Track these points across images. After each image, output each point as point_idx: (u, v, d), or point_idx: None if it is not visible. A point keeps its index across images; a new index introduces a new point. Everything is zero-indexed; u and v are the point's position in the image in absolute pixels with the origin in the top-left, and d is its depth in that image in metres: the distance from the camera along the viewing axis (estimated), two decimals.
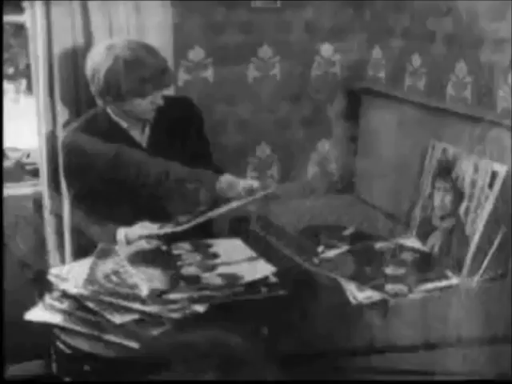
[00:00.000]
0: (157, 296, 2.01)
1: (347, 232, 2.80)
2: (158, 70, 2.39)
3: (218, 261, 2.27)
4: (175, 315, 1.98)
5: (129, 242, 2.32)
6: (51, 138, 2.73)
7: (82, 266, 2.19)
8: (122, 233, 2.35)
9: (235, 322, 2.03)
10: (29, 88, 3.00)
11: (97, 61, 2.40)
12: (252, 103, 3.25)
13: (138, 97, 2.38)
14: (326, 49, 3.34)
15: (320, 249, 2.57)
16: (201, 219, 2.27)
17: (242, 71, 3.19)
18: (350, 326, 2.37)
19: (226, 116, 3.20)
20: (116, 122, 2.50)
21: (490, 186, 2.41)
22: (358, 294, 2.30)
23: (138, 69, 2.35)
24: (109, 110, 2.50)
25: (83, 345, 1.95)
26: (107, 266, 2.19)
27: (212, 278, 2.13)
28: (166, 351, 1.92)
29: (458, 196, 2.54)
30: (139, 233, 2.32)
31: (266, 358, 1.97)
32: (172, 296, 2.03)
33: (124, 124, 2.50)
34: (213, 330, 1.98)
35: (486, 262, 2.37)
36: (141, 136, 2.54)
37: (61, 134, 2.67)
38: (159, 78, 2.39)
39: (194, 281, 2.10)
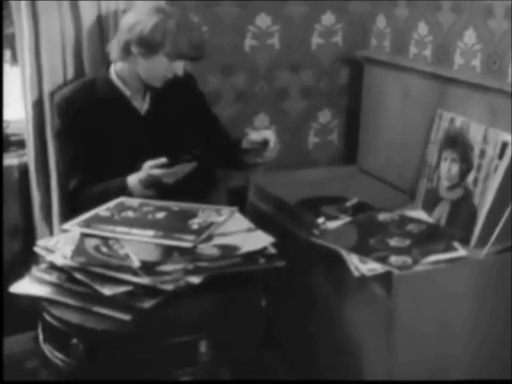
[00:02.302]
0: (149, 267, 1.97)
1: (349, 203, 2.80)
2: (199, 40, 2.47)
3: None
4: (168, 287, 1.94)
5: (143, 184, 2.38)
6: (38, 107, 2.70)
7: (71, 237, 2.14)
8: (134, 178, 2.41)
9: (232, 294, 2.01)
10: (14, 58, 2.94)
11: (142, 16, 2.45)
12: (249, 73, 3.23)
13: (169, 57, 2.44)
14: (328, 18, 3.31)
15: (321, 220, 2.54)
16: None
17: (239, 40, 3.17)
18: (352, 299, 2.39)
19: (222, 86, 3.19)
20: (118, 88, 2.55)
21: (500, 156, 2.39)
22: (361, 266, 2.28)
23: (187, 31, 2.43)
24: (112, 75, 2.55)
25: (72, 317, 1.91)
26: (97, 237, 2.13)
27: (207, 249, 2.08)
28: (158, 324, 1.89)
29: (466, 166, 2.53)
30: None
31: (264, 331, 1.94)
32: (165, 267, 1.98)
33: (127, 91, 2.55)
34: (208, 301, 1.96)
35: (495, 234, 2.34)
36: (141, 103, 2.58)
37: (47, 103, 2.68)
38: (196, 49, 2.46)
39: (188, 252, 2.05)
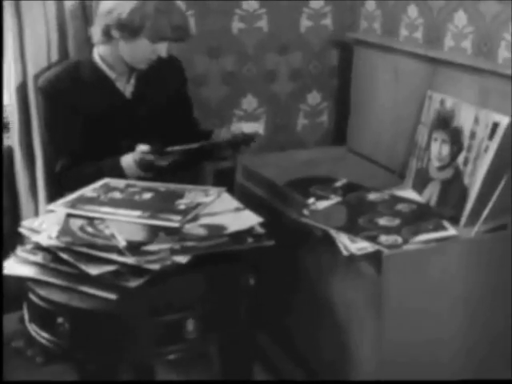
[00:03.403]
0: (135, 247, 1.97)
1: (339, 184, 2.78)
2: (180, 21, 2.47)
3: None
4: (154, 266, 1.95)
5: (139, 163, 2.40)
6: (22, 90, 2.70)
7: (56, 218, 2.14)
8: (128, 159, 2.42)
9: (220, 273, 2.02)
10: None
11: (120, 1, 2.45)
12: (237, 55, 3.23)
13: (151, 39, 2.43)
14: (316, 1, 3.31)
15: (310, 200, 2.55)
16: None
17: (226, 23, 3.17)
18: (341, 278, 2.39)
19: (209, 68, 3.19)
20: (102, 71, 2.54)
21: (490, 137, 2.40)
22: (351, 245, 2.28)
23: (166, 13, 2.43)
24: (96, 58, 2.54)
25: (58, 297, 1.92)
26: (82, 217, 2.14)
27: (194, 229, 2.08)
28: (144, 303, 1.90)
29: (457, 147, 2.54)
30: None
31: (252, 310, 1.94)
32: (151, 247, 1.99)
33: (111, 73, 2.54)
34: (195, 280, 1.97)
35: (485, 213, 2.35)
36: (125, 86, 2.58)
37: (32, 85, 2.68)
38: (177, 30, 2.45)
39: (174, 232, 2.06)
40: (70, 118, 2.48)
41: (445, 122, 2.60)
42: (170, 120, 2.62)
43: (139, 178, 2.41)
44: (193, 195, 2.27)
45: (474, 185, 2.43)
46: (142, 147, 2.37)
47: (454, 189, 2.51)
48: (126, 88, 2.57)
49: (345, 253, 2.26)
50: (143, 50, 2.46)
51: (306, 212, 2.48)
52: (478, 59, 2.73)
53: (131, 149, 2.43)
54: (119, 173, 2.41)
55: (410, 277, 2.24)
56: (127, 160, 2.42)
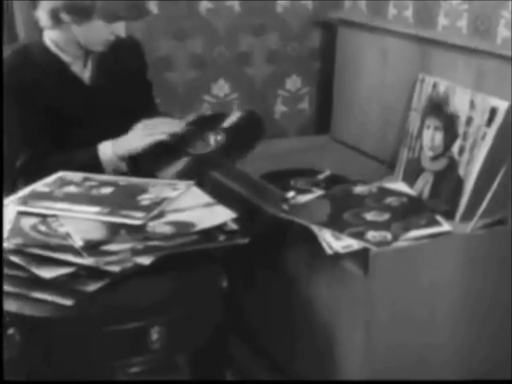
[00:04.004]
0: (93, 247, 1.96)
1: (322, 176, 2.81)
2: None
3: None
4: (115, 268, 1.93)
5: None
6: None
7: (6, 217, 2.11)
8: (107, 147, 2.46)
9: (188, 275, 2.02)
10: None
11: None
12: (206, 37, 3.25)
13: (105, 20, 2.42)
14: None
15: (290, 194, 2.55)
16: None
17: (193, 3, 3.19)
18: (325, 279, 2.40)
19: (175, 51, 3.20)
20: (55, 55, 2.53)
21: (488, 123, 2.42)
22: (335, 243, 2.28)
23: None
24: (47, 42, 2.52)
25: (8, 305, 1.88)
26: (34, 214, 2.12)
27: (159, 227, 2.07)
28: (104, 309, 1.88)
29: (451, 134, 2.56)
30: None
31: (225, 315, 1.95)
32: (111, 247, 1.97)
33: (66, 57, 2.53)
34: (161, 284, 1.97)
35: (482, 207, 2.36)
36: (82, 70, 2.57)
37: None
38: (132, 8, 2.46)
39: (137, 230, 2.04)
40: (26, 109, 2.46)
41: (438, 108, 2.62)
42: (130, 107, 2.61)
43: (117, 172, 2.42)
44: (158, 189, 2.26)
45: (470, 176, 2.45)
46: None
47: (448, 180, 2.53)
48: (84, 73, 2.56)
49: (328, 251, 2.26)
50: (99, 32, 2.45)
51: (285, 207, 2.49)
52: (475, 39, 2.75)
53: (92, 138, 2.43)
54: (95, 164, 2.42)
55: (400, 277, 2.25)
56: (107, 148, 2.43)
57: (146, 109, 2.69)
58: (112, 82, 2.59)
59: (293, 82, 3.48)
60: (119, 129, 2.48)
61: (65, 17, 2.42)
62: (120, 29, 2.47)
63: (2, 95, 2.42)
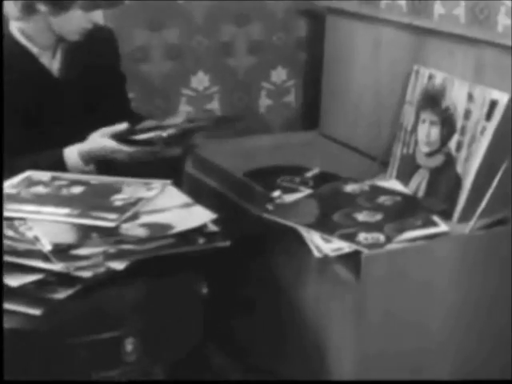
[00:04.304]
0: (63, 251, 1.94)
1: (310, 174, 2.82)
2: None
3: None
4: (86, 274, 1.91)
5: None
6: None
7: None
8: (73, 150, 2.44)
9: (165, 281, 2.00)
10: None
11: None
12: (183, 26, 3.25)
13: (85, 9, 2.42)
14: None
15: (276, 193, 2.56)
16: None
17: None
18: (313, 285, 2.39)
19: (150, 41, 3.20)
20: (23, 46, 2.51)
21: (488, 117, 2.42)
22: (324, 246, 2.29)
23: None
24: (14, 32, 2.50)
25: None
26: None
27: (133, 229, 2.05)
28: (75, 318, 1.87)
29: (448, 129, 2.57)
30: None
31: (205, 324, 1.94)
32: (82, 251, 1.95)
33: (34, 48, 2.52)
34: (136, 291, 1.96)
35: (482, 206, 2.36)
36: (51, 62, 2.56)
37: None
38: None
39: (109, 232, 2.03)
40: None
41: (434, 101, 2.62)
42: (103, 101, 2.61)
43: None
44: (132, 189, 2.25)
45: (469, 173, 2.45)
46: (105, 130, 2.39)
47: (445, 178, 2.54)
48: (52, 64, 2.55)
49: (317, 254, 2.27)
50: (77, 21, 2.45)
51: (270, 207, 2.49)
52: (473, 28, 2.75)
53: (62, 137, 2.42)
54: (61, 167, 2.40)
55: (394, 281, 2.24)
56: (72, 152, 2.41)
57: (118, 104, 2.69)
58: (82, 74, 2.57)
59: (278, 74, 3.48)
60: (89, 126, 2.46)
61: (41, 7, 2.41)
62: (99, 16, 2.50)
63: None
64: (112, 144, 2.40)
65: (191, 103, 3.33)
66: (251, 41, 3.38)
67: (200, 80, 3.35)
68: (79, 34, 2.50)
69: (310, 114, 3.48)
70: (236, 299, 2.67)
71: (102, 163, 2.46)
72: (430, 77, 2.66)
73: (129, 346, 1.85)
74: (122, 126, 2.42)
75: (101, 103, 2.60)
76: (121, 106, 2.71)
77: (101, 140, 2.43)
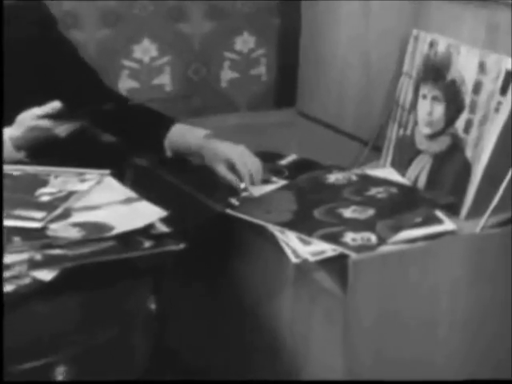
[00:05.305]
0: None
1: (285, 161, 2.85)
2: None
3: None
4: (7, 287, 1.88)
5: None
6: None
7: None
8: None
9: (103, 295, 1.97)
10: None
11: None
12: None
13: None
14: None
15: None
16: None
17: None
18: (290, 296, 2.40)
19: (81, 5, 3.21)
20: None
21: (503, 90, 2.42)
22: (302, 249, 2.29)
23: None
24: None
25: None
26: None
27: (64, 230, 2.04)
28: None
29: (454, 106, 2.58)
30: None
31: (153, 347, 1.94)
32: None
33: None
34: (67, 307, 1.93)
35: (495, 199, 2.37)
36: None
37: None
38: None
39: (35, 235, 2.01)
40: None
41: (437, 72, 2.65)
42: (49, 75, 2.64)
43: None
44: (61, 181, 2.26)
45: (480, 159, 2.46)
46: (34, 110, 2.41)
47: (451, 165, 2.57)
48: None
49: (294, 260, 2.26)
50: None
51: (234, 201, 2.51)
52: None
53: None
54: None
55: (388, 291, 2.23)
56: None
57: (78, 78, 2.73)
58: (13, 43, 2.58)
59: (244, 42, 3.52)
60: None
61: None
62: None
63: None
64: (45, 123, 2.40)
65: (135, 77, 3.36)
66: (208, 3, 3.41)
67: (145, 49, 3.38)
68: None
69: (284, 89, 3.52)
70: (192, 315, 2.69)
71: (35, 150, 2.46)
72: (432, 43, 2.67)
73: (59, 376, 1.80)
74: (55, 105, 2.41)
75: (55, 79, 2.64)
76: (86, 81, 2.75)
77: (32, 121, 2.44)
